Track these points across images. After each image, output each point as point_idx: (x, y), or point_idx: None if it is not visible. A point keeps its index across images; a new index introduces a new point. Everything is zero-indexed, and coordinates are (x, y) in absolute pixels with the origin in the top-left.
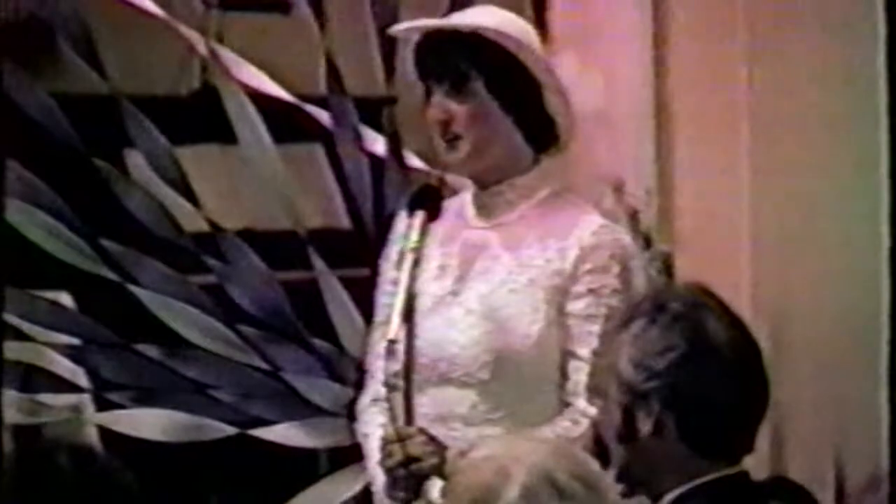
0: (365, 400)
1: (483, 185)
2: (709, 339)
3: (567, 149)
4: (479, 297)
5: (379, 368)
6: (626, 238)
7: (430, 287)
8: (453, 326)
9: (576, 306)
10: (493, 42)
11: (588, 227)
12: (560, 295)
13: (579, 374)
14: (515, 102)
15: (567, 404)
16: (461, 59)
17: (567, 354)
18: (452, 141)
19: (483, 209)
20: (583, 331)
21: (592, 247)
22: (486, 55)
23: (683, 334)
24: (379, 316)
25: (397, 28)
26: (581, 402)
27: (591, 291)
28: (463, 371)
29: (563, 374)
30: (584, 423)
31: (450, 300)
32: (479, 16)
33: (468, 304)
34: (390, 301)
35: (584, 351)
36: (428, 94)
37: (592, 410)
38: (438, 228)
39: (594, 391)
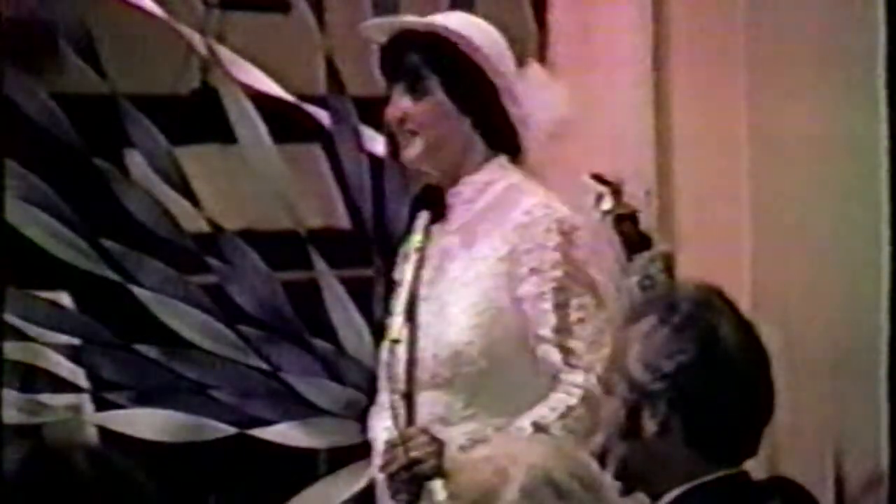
0: (375, 407)
1: (444, 185)
2: (719, 343)
3: (525, 157)
4: (437, 298)
5: (385, 373)
6: (562, 210)
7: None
8: (422, 331)
9: (523, 289)
10: (451, 43)
11: (521, 209)
12: (508, 280)
13: (551, 354)
14: (473, 105)
15: (550, 388)
16: (416, 58)
17: (532, 338)
18: (408, 139)
19: (449, 213)
20: (537, 311)
21: (525, 226)
22: (443, 55)
23: (694, 337)
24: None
25: (363, 25)
26: (568, 376)
27: (533, 271)
28: (430, 372)
29: (537, 357)
30: (577, 393)
31: (424, 305)
32: (445, 18)
33: (431, 308)
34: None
35: (546, 331)
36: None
37: (580, 379)
38: (434, 230)
39: (602, 385)
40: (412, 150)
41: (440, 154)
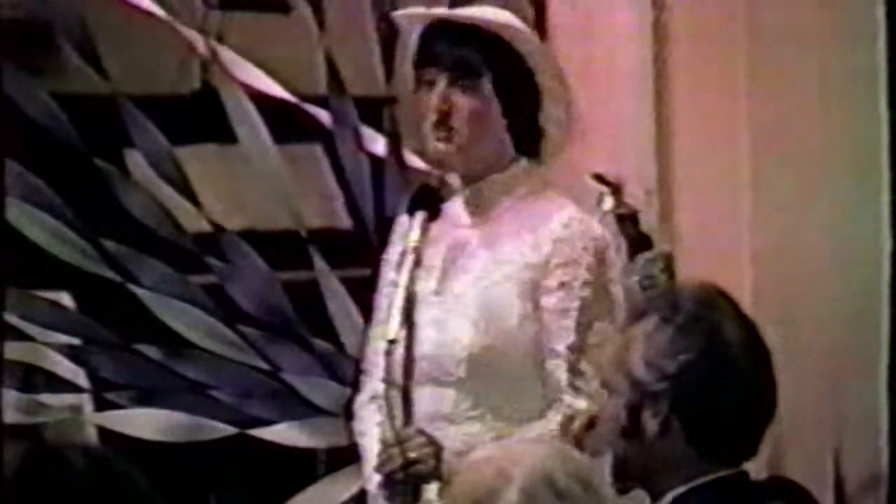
0: (362, 397)
1: (465, 181)
2: (723, 343)
3: (550, 159)
4: (455, 296)
5: (377, 366)
6: (597, 229)
7: (420, 287)
8: (434, 326)
9: (549, 301)
10: (506, 43)
11: (559, 220)
12: (534, 289)
13: (559, 371)
14: (516, 107)
15: (552, 400)
16: (474, 54)
17: (545, 350)
18: (446, 133)
19: (466, 207)
20: (558, 326)
21: (563, 239)
22: (500, 54)
23: (698, 338)
24: (377, 315)
25: (412, 12)
26: (567, 398)
27: (562, 285)
28: (442, 370)
29: (545, 370)
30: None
31: (432, 300)
32: (492, 13)
33: (447, 304)
34: (390, 301)
35: (561, 346)
36: (420, 82)
37: (580, 404)
38: (431, 229)
39: (602, 384)
40: (447, 147)
41: (473, 151)
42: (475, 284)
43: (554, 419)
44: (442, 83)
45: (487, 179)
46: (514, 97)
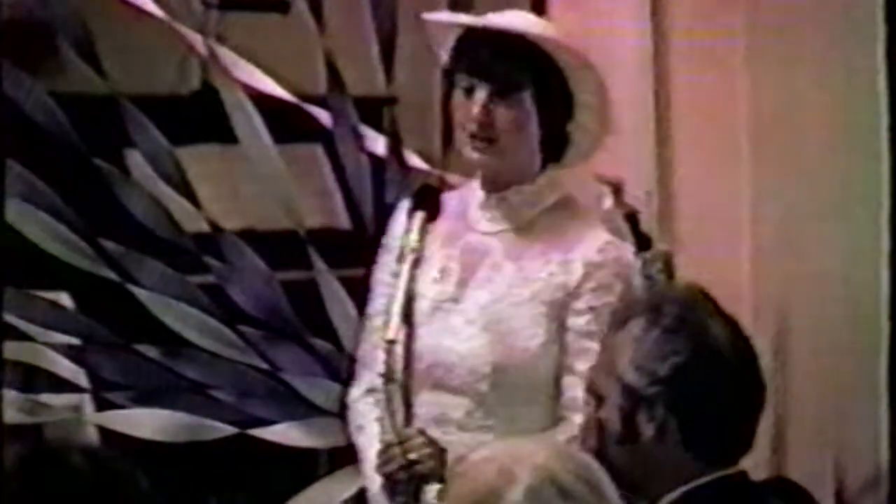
0: (357, 391)
1: (489, 188)
2: (711, 342)
3: (572, 165)
4: (479, 308)
5: (375, 360)
6: (629, 255)
7: (431, 290)
8: (453, 335)
9: (576, 322)
10: (547, 54)
11: (594, 244)
12: (561, 310)
13: (575, 390)
14: (552, 118)
15: (561, 418)
16: (518, 68)
17: (564, 369)
18: (485, 143)
19: (486, 213)
20: (581, 347)
21: (597, 265)
22: (542, 68)
23: (686, 339)
24: (374, 306)
25: (454, 18)
26: (577, 417)
27: (592, 309)
28: (460, 380)
29: (559, 387)
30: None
31: (450, 306)
32: (536, 25)
33: (469, 314)
34: (388, 292)
35: (581, 366)
36: (454, 86)
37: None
38: (440, 228)
39: (591, 391)
40: (482, 156)
41: (505, 162)
42: (502, 300)
43: (566, 431)
44: (483, 93)
45: (514, 189)
46: (551, 109)
